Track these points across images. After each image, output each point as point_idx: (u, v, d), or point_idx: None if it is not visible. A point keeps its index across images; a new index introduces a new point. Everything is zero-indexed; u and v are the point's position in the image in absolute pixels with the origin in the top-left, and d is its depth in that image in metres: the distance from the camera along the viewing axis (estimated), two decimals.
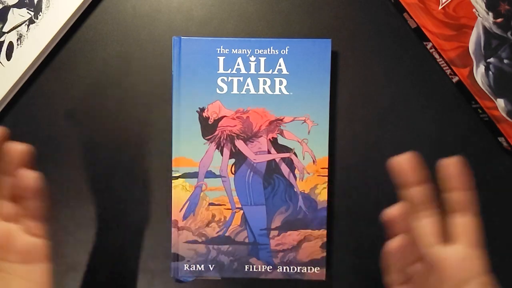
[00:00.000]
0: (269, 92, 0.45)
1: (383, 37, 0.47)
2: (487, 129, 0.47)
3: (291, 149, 0.46)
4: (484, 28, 0.44)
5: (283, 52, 0.45)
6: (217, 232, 0.46)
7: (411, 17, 0.45)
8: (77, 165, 0.49)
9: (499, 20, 0.44)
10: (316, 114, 0.45)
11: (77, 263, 0.49)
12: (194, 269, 0.46)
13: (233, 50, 0.45)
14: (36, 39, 0.47)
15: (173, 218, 0.46)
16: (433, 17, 0.44)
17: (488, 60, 0.44)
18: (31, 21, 0.47)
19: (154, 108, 0.48)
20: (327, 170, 0.46)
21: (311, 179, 0.46)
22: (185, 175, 0.46)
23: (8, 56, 0.47)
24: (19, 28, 0.47)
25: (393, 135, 0.47)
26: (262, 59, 0.45)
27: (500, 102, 0.44)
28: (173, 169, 0.46)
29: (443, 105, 0.47)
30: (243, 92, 0.45)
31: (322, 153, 0.45)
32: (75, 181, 0.49)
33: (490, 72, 0.44)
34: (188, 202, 0.46)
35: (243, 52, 0.45)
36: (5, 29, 0.47)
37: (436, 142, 0.47)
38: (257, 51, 0.45)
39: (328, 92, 0.45)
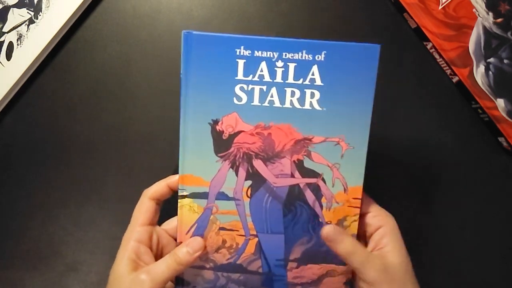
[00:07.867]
0: (297, 106, 0.38)
1: (383, 37, 0.47)
2: (487, 129, 0.47)
3: (319, 174, 0.39)
4: (484, 28, 0.44)
5: (318, 58, 0.37)
6: (228, 259, 0.40)
7: (411, 17, 0.45)
8: (77, 166, 0.49)
9: (499, 20, 0.44)
10: (352, 136, 0.38)
11: (77, 263, 0.49)
12: None
13: (256, 52, 0.37)
14: (36, 39, 0.47)
15: (178, 241, 0.40)
16: (433, 17, 0.44)
17: (488, 60, 0.44)
18: (31, 21, 0.47)
19: (156, 111, 0.48)
20: (359, 201, 0.38)
21: (340, 210, 0.39)
22: (193, 195, 0.39)
23: (8, 56, 0.47)
24: (19, 28, 0.47)
25: (393, 135, 0.47)
26: (292, 65, 0.37)
27: (500, 102, 0.44)
28: (179, 187, 0.39)
29: (443, 105, 0.47)
30: (266, 104, 0.38)
31: (356, 181, 0.38)
32: (75, 181, 0.49)
33: (490, 72, 0.44)
34: (196, 224, 0.40)
35: (268, 55, 0.37)
36: (5, 29, 0.47)
37: (436, 142, 0.47)
38: (285, 55, 0.37)
39: (371, 110, 0.37)
